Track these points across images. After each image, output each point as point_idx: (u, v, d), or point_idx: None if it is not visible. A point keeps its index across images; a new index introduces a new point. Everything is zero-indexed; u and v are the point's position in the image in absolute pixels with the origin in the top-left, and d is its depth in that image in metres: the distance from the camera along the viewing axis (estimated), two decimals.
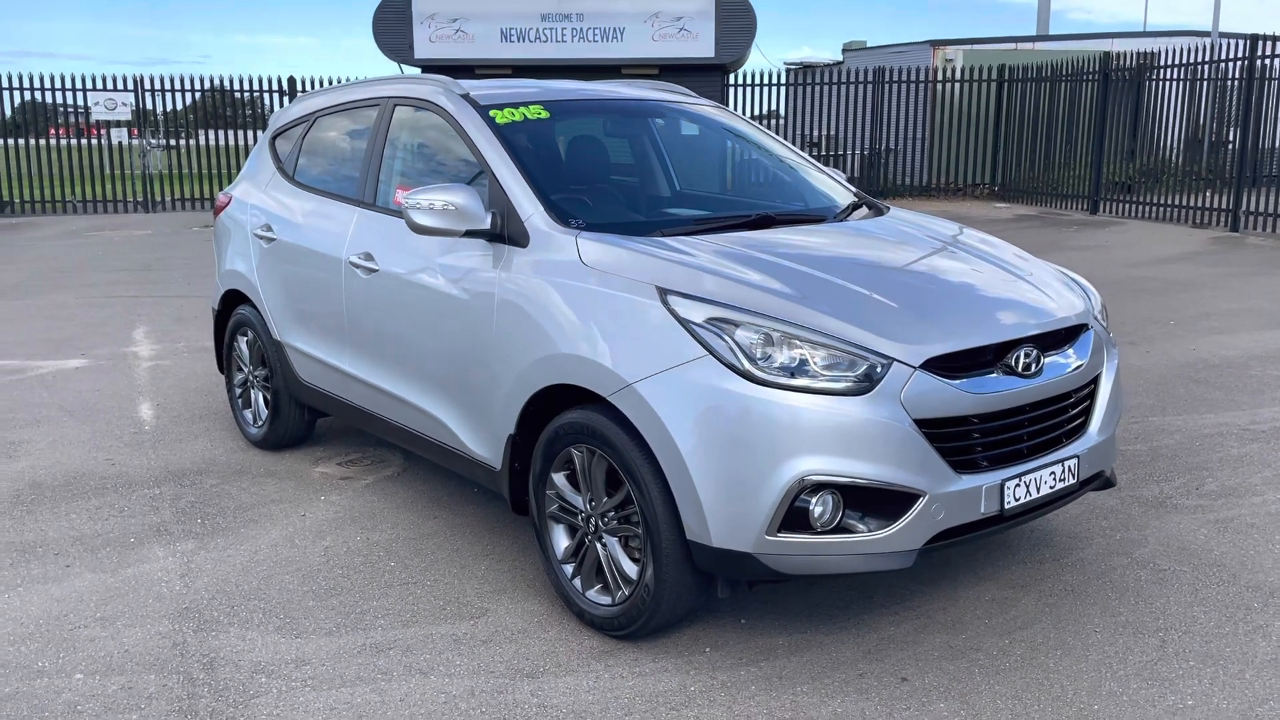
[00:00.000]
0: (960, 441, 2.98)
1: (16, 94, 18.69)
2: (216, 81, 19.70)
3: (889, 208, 4.29)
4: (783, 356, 2.88)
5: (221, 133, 20.01)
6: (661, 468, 2.96)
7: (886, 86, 20.49)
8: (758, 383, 2.84)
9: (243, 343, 5.26)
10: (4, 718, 2.88)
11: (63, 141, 19.20)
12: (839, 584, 3.61)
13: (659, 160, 4.44)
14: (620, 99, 4.50)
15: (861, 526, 2.88)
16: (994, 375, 3.06)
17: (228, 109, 20.21)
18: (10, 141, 19.09)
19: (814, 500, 2.82)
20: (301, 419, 5.04)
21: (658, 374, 2.96)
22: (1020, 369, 3.09)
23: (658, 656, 3.17)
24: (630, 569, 3.17)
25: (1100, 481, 3.49)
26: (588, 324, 3.19)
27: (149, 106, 19.59)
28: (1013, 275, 3.52)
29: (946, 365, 2.97)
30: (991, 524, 3.06)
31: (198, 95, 19.75)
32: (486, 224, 3.53)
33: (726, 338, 2.90)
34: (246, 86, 19.72)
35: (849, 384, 2.86)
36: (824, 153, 21.24)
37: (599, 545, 3.26)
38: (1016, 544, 3.97)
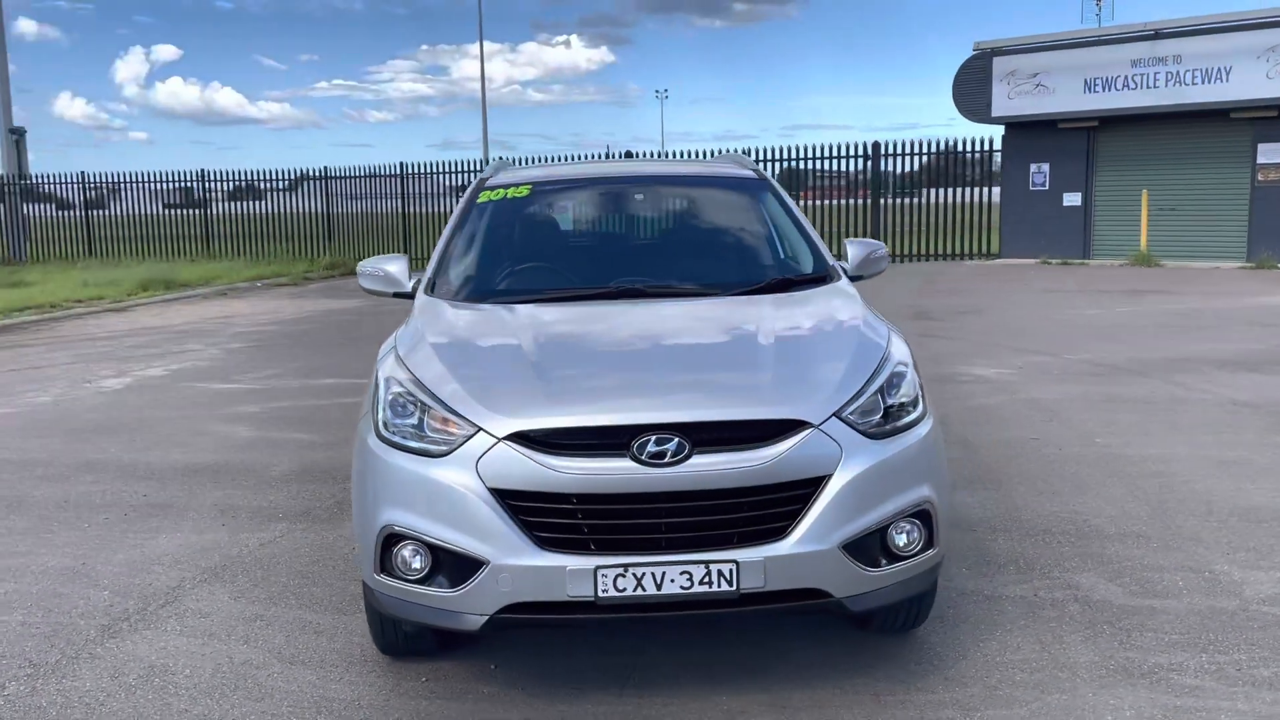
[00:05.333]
0: (555, 518, 2.97)
1: None
2: (801, 150, 21.62)
3: (827, 286, 4.03)
4: (412, 417, 3.18)
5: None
6: None
7: None
8: (380, 437, 3.20)
9: None
10: (51, 602, 4.32)
11: None
12: (613, 661, 3.60)
13: (621, 232, 4.63)
14: (619, 177, 4.78)
15: (441, 583, 3.06)
16: (619, 459, 2.96)
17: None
18: None
19: (397, 549, 3.09)
20: None
21: (361, 418, 3.45)
22: (645, 456, 2.94)
23: (390, 673, 3.58)
24: None
25: (831, 603, 3.05)
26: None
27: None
28: (737, 363, 3.35)
29: (548, 440, 2.99)
30: (588, 610, 2.96)
31: (784, 165, 21.84)
32: (406, 288, 4.22)
33: (383, 394, 3.29)
34: (833, 153, 21.37)
35: (439, 447, 3.07)
36: None
37: None
38: (895, 673, 3.49)
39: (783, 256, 4.35)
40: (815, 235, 4.41)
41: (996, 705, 3.24)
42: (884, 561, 3.12)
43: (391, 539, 3.11)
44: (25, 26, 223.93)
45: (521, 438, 3.01)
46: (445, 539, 3.01)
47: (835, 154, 21.41)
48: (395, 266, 4.25)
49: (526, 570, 2.95)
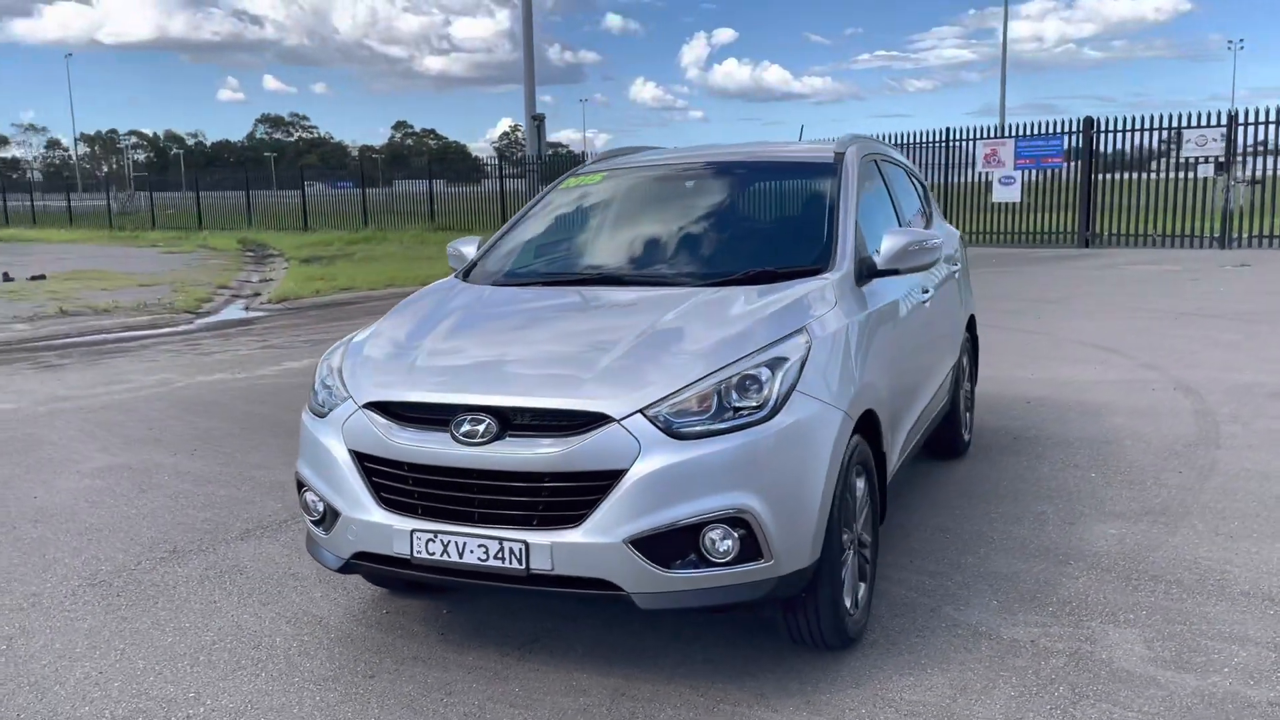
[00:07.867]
0: (392, 482, 3.28)
1: (1116, 136, 20.39)
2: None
3: (806, 279, 3.76)
4: (326, 385, 3.65)
5: None
6: None
7: None
8: (309, 403, 3.71)
9: None
10: (238, 508, 5.41)
11: (1150, 176, 20.29)
12: (540, 627, 3.80)
13: (654, 220, 4.54)
14: (687, 165, 4.70)
15: (321, 526, 3.50)
16: (441, 434, 3.19)
17: None
18: (1110, 176, 20.89)
19: (303, 493, 3.58)
20: None
21: None
22: (460, 435, 3.14)
23: (367, 600, 4.10)
24: None
25: (622, 596, 3.03)
26: None
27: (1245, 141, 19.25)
28: (589, 352, 3.34)
29: (395, 412, 3.30)
30: (405, 567, 3.24)
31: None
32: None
33: (321, 365, 3.79)
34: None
35: (326, 410, 3.51)
36: None
37: None
38: (763, 686, 3.35)
39: (793, 247, 4.11)
40: (844, 226, 4.00)
41: None
42: (691, 563, 3.02)
43: (299, 485, 3.63)
44: (612, 21, 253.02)
45: (376, 407, 3.35)
46: (319, 489, 3.47)
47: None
48: (469, 248, 4.71)
49: (366, 524, 3.31)
